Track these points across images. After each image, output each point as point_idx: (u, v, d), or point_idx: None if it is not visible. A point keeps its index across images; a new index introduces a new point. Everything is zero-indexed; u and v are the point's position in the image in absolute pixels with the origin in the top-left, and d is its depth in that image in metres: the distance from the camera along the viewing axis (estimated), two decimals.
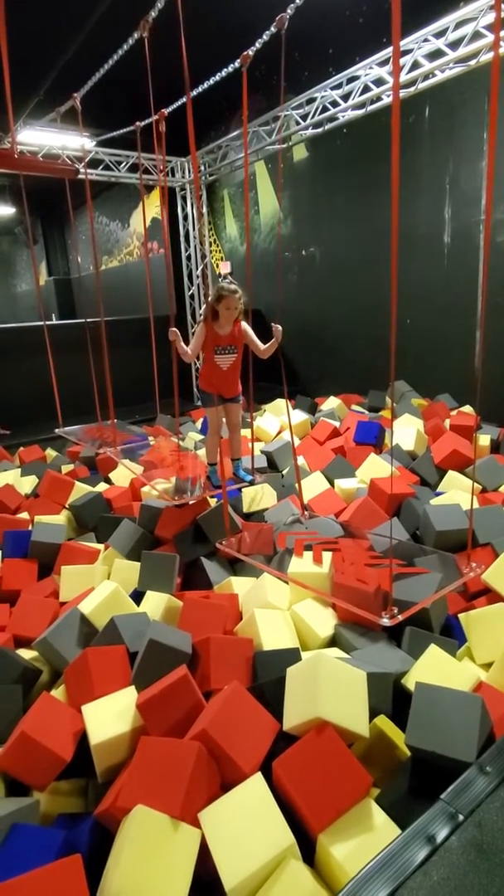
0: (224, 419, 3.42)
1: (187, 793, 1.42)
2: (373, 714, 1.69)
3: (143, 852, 1.29)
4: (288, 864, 1.29)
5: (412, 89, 4.73)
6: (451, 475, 3.48)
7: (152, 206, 9.65)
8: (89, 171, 6.52)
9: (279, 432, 4.94)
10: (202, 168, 7.55)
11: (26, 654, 2.31)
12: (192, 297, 8.38)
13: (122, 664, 2.03)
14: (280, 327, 2.99)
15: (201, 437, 5.09)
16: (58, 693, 2.04)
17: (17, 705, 1.96)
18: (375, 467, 3.61)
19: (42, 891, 1.24)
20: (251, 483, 3.44)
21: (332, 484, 3.62)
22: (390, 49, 4.60)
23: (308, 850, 1.39)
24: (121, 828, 1.42)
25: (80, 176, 3.96)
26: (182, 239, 8.34)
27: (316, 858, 1.38)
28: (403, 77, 4.55)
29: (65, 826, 1.61)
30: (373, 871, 1.19)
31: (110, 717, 1.78)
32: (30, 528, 3.39)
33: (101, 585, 2.53)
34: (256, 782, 1.46)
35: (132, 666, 2.03)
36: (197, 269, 8.32)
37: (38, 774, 1.72)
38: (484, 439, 4.01)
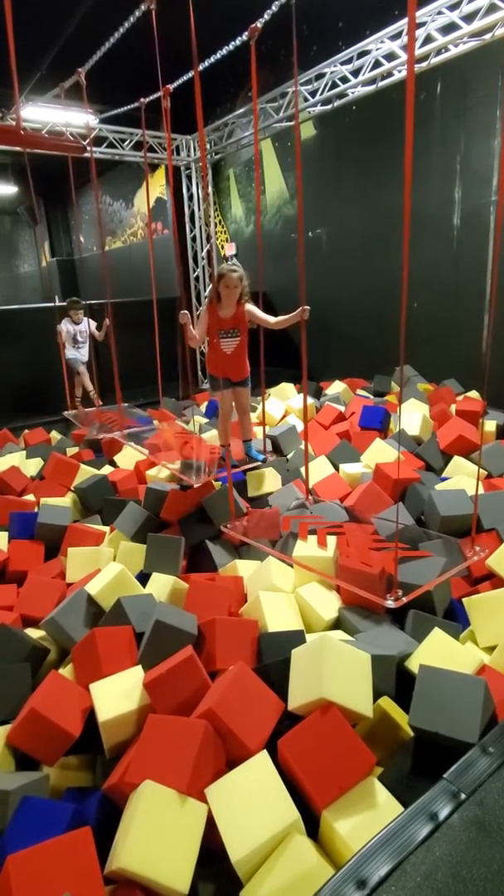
0: (233, 403, 3.42)
1: (194, 769, 1.45)
2: (376, 695, 1.71)
3: (151, 825, 1.32)
4: (293, 839, 1.32)
5: (424, 64, 4.62)
6: (457, 461, 3.48)
7: (156, 186, 9.52)
8: (94, 149, 6.42)
9: (284, 416, 4.93)
10: (208, 146, 7.42)
11: (34, 633, 2.34)
12: (197, 279, 8.30)
13: (128, 644, 2.05)
14: (308, 308, 2.90)
15: (206, 420, 5.09)
16: (65, 671, 2.07)
17: (26, 683, 2.00)
18: (381, 452, 3.61)
19: (53, 861, 1.28)
20: (264, 461, 3.46)
21: (336, 469, 3.62)
22: (403, 22, 4.50)
23: (312, 827, 1.42)
24: (129, 802, 1.45)
25: (85, 154, 3.90)
26: (187, 219, 8.23)
27: (320, 834, 1.41)
28: (416, 51, 4.44)
29: (74, 799, 1.65)
30: (376, 846, 1.22)
31: (117, 695, 1.81)
32: (36, 510, 3.41)
33: (108, 567, 2.55)
34: (262, 760, 1.48)
35: (138, 646, 2.06)
36: (202, 250, 8.23)
37: (47, 749, 1.76)
38: (490, 425, 3.99)
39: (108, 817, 1.56)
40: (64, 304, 6.12)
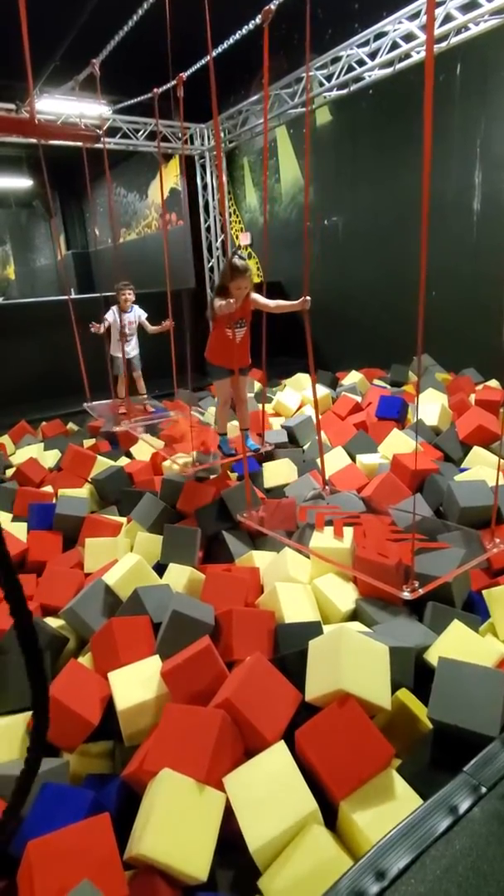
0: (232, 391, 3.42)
1: (212, 758, 1.45)
2: (394, 687, 1.70)
3: (170, 813, 1.33)
4: (311, 829, 1.32)
5: (444, 44, 4.51)
6: (476, 451, 3.42)
7: (170, 177, 9.47)
8: (107, 139, 6.41)
9: (300, 407, 4.90)
10: (222, 135, 7.35)
11: (53, 622, 2.37)
12: (211, 269, 8.27)
13: (146, 634, 2.07)
14: (308, 299, 2.90)
15: None
16: (84, 660, 2.09)
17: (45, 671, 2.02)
18: (398, 443, 3.57)
19: (73, 847, 1.29)
20: (257, 451, 3.45)
21: (353, 459, 3.59)
22: (421, 1, 4.38)
23: (329, 817, 1.42)
24: (148, 790, 1.46)
25: (97, 144, 3.88)
26: (201, 210, 8.19)
27: (338, 825, 1.41)
28: (435, 31, 4.33)
29: (93, 786, 1.67)
30: (395, 838, 1.21)
31: (135, 684, 1.83)
32: (54, 501, 3.44)
33: (125, 557, 2.57)
34: (279, 750, 1.48)
35: (155, 636, 2.07)
36: (216, 240, 8.18)
37: (67, 737, 1.78)
38: None
39: (126, 804, 1.58)
40: (81, 296, 5.80)
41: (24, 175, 12.32)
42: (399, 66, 4.94)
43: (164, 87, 4.04)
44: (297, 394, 5.08)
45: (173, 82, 3.60)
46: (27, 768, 1.05)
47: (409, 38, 4.73)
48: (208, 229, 8.25)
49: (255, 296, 3.11)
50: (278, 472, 3.52)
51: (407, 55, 4.84)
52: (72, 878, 1.21)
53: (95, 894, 1.17)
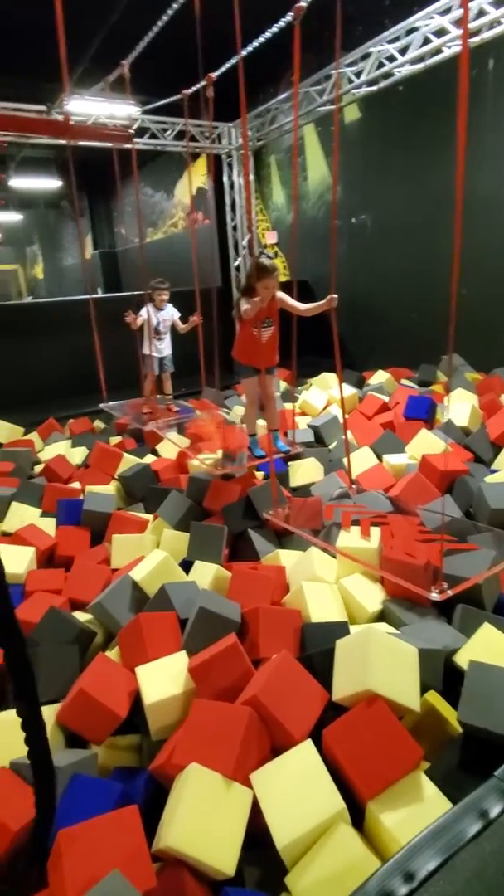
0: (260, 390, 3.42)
1: (239, 754, 1.46)
2: (423, 689, 1.68)
3: (199, 807, 1.34)
4: (338, 828, 1.32)
5: (476, 39, 4.43)
6: None
7: (197, 176, 9.52)
8: (136, 139, 6.47)
9: (326, 406, 4.88)
10: (249, 133, 7.35)
11: (81, 616, 2.40)
12: (237, 268, 8.28)
13: (173, 629, 2.08)
14: (335, 297, 2.89)
15: None
16: (112, 654, 2.12)
17: (74, 664, 2.05)
18: (426, 443, 3.52)
19: (102, 837, 1.31)
20: (287, 453, 3.44)
21: (380, 459, 3.56)
22: None
23: (355, 819, 1.41)
24: (175, 783, 1.47)
25: (128, 145, 3.93)
26: (228, 208, 8.21)
27: (365, 825, 1.40)
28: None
29: (120, 779, 1.69)
30: (425, 840, 1.20)
31: (163, 679, 1.84)
32: (81, 497, 3.49)
33: (152, 554, 2.59)
34: (307, 748, 1.48)
35: (182, 632, 2.08)
36: (243, 239, 8.19)
37: (95, 729, 1.81)
38: None
39: (153, 797, 1.60)
40: (107, 295, 5.89)
41: (52, 176, 12.53)
42: (430, 61, 4.87)
43: (194, 88, 4.06)
44: (324, 393, 5.05)
45: (203, 83, 3.62)
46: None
47: (440, 32, 4.66)
48: (235, 228, 8.26)
49: (283, 296, 3.10)
50: (304, 472, 3.51)
51: (438, 51, 4.77)
52: (101, 868, 1.23)
53: (125, 884, 1.18)
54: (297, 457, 3.48)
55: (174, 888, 1.28)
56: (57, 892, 1.23)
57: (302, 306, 3.05)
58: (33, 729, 1.15)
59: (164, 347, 5.14)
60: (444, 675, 1.82)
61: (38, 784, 1.23)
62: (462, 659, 1.82)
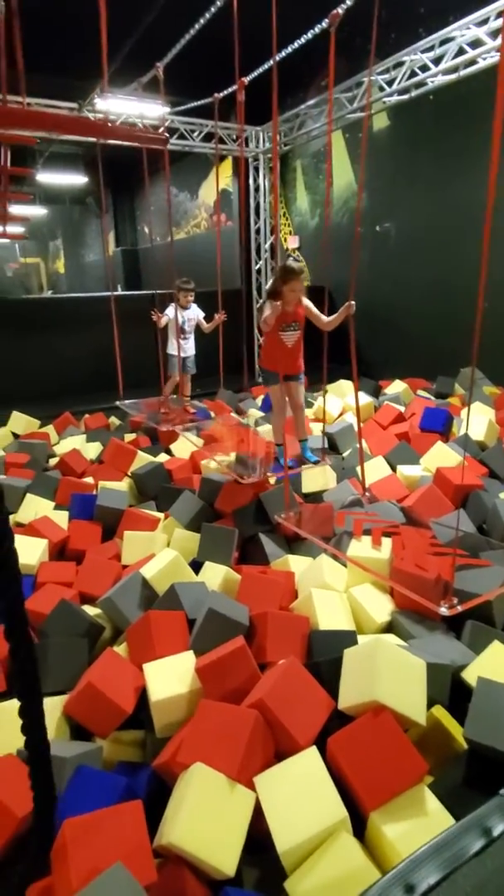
0: (287, 399, 3.42)
1: (244, 756, 1.47)
2: (429, 704, 1.68)
3: (202, 806, 1.35)
4: (340, 836, 1.32)
5: None
6: None
7: (222, 177, 9.57)
8: None
9: (341, 414, 4.88)
10: (277, 137, 7.38)
11: (90, 610, 2.43)
12: (258, 271, 8.31)
13: (181, 629, 2.10)
14: (353, 303, 2.92)
15: (262, 414, 5.09)
16: (119, 650, 2.14)
17: (83, 657, 2.08)
18: (441, 456, 3.51)
19: (106, 830, 1.33)
20: (316, 463, 3.44)
21: (393, 470, 3.55)
22: (491, 8, 4.31)
23: (357, 829, 1.42)
24: (179, 781, 1.49)
25: (162, 147, 3.96)
26: (252, 212, 8.24)
27: (366, 836, 1.41)
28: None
29: (124, 773, 1.71)
30: (426, 853, 1.20)
31: (170, 677, 1.86)
32: (94, 492, 3.53)
33: (162, 552, 2.61)
34: (311, 754, 1.49)
35: (190, 632, 2.10)
36: (265, 242, 8.22)
37: (101, 722, 1.83)
38: None
39: (155, 793, 1.61)
40: (128, 293, 5.89)
41: (79, 172, 12.63)
42: (463, 72, 4.86)
43: (226, 92, 4.09)
44: (339, 400, 5.05)
45: (234, 87, 3.65)
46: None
47: (475, 44, 4.65)
48: (258, 231, 8.29)
49: (309, 304, 3.12)
50: (317, 478, 3.50)
51: (473, 62, 4.76)
52: (104, 859, 1.24)
53: (127, 877, 1.20)
54: (315, 463, 3.49)
55: (174, 885, 1.30)
56: (61, 881, 1.24)
57: (325, 319, 3.09)
58: (31, 717, 1.17)
59: (189, 347, 5.13)
60: (450, 690, 1.81)
61: (34, 771, 1.25)
62: (470, 675, 1.81)
